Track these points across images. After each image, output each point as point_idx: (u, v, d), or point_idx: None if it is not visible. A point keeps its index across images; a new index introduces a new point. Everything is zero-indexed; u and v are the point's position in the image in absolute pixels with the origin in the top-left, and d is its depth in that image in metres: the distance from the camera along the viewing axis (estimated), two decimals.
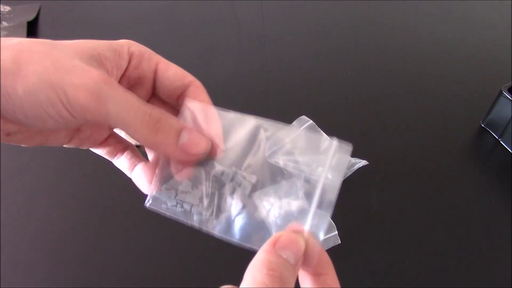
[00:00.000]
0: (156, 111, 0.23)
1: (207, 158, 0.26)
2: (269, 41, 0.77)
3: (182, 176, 0.26)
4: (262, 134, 0.27)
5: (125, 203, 0.53)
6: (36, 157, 0.59)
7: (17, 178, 0.57)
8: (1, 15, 0.83)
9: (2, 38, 0.21)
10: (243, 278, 0.21)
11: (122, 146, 0.29)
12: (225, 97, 0.66)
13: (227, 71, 0.71)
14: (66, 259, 0.48)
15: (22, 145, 0.25)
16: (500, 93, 0.56)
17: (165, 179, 0.26)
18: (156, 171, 0.27)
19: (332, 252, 0.48)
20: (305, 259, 0.23)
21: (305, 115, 0.61)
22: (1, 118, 0.21)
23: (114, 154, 0.28)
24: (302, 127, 0.60)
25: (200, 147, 0.24)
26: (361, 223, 0.51)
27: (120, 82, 0.25)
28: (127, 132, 0.23)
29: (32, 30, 0.80)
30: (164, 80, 0.27)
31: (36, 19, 0.83)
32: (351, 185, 0.54)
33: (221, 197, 0.26)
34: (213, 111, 0.26)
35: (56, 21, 0.84)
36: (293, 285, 0.21)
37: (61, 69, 0.21)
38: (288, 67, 0.72)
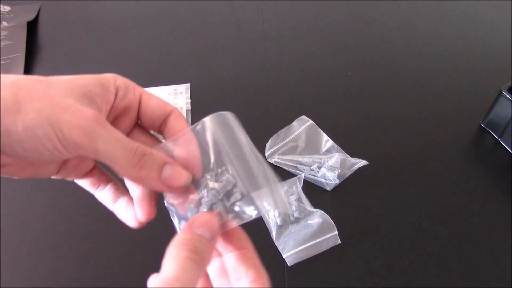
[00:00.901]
0: (141, 148, 0.25)
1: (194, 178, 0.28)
2: (269, 41, 0.77)
3: (182, 208, 0.28)
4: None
5: None
6: None
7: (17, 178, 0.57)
8: (1, 15, 0.83)
9: (1, 75, 0.23)
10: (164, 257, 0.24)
11: (105, 178, 0.31)
12: (225, 97, 0.66)
13: (227, 71, 0.71)
14: (66, 259, 0.49)
15: (14, 177, 0.28)
16: (500, 93, 0.56)
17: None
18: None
19: (332, 252, 0.48)
20: (227, 236, 0.27)
21: (305, 115, 0.61)
22: None
23: (97, 186, 0.31)
24: (302, 127, 0.60)
25: (181, 180, 0.27)
26: (361, 223, 0.51)
27: (109, 113, 0.28)
28: (113, 168, 0.25)
29: (32, 30, 0.80)
30: (148, 109, 0.29)
31: (36, 19, 0.83)
32: (351, 185, 0.54)
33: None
34: (190, 135, 0.29)
35: (56, 21, 0.84)
36: (209, 256, 0.25)
37: (58, 107, 0.23)
38: (288, 66, 0.72)
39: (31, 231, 0.51)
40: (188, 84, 0.68)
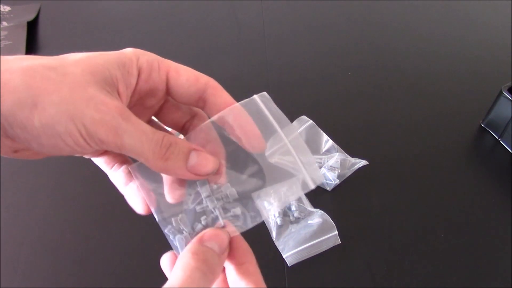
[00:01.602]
0: (166, 139, 0.24)
1: None
2: (269, 41, 0.77)
3: (175, 198, 0.27)
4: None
5: (125, 203, 0.53)
6: None
7: (17, 178, 0.57)
8: (1, 15, 0.83)
9: (9, 58, 0.21)
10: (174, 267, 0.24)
11: (121, 158, 0.29)
12: None
13: (227, 71, 0.71)
14: (66, 259, 0.49)
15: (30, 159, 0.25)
16: (500, 93, 0.56)
17: (161, 203, 0.28)
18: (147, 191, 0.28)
19: (332, 252, 0.48)
20: (230, 248, 0.26)
21: (305, 115, 0.61)
22: (10, 139, 0.22)
23: (112, 165, 0.29)
24: (302, 127, 0.60)
25: (207, 167, 0.26)
26: (361, 223, 0.51)
27: (131, 98, 0.26)
28: (140, 160, 0.24)
29: (32, 30, 0.80)
30: (178, 88, 0.27)
31: (36, 19, 0.83)
32: (351, 185, 0.54)
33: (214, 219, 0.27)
34: (239, 110, 0.27)
35: (56, 21, 0.84)
36: (218, 270, 0.25)
37: (79, 100, 0.21)
38: (288, 67, 0.72)
39: (31, 231, 0.51)
40: None
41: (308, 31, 0.79)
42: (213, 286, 0.25)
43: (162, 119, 0.30)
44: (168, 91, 0.28)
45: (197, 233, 0.26)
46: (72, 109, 0.21)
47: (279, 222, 0.50)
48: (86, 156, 0.28)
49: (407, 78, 0.70)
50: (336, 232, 0.49)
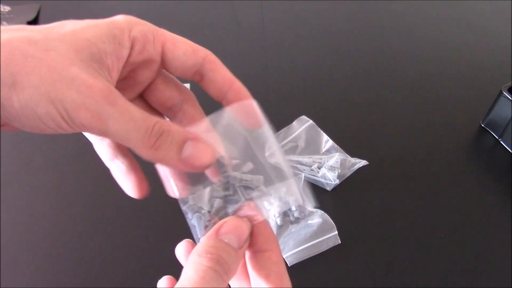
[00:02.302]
0: (158, 126, 0.22)
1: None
2: (269, 41, 0.77)
3: (185, 192, 0.26)
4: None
5: (126, 203, 0.53)
6: (36, 157, 0.59)
7: (17, 178, 0.57)
8: (1, 15, 0.83)
9: None
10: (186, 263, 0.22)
11: None
12: None
13: None
14: (66, 259, 0.48)
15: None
16: (500, 93, 0.56)
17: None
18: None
19: (332, 252, 0.48)
20: (252, 234, 0.24)
21: (305, 115, 0.61)
22: None
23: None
24: (302, 127, 0.60)
25: (204, 159, 0.23)
26: (361, 223, 0.51)
27: (122, 69, 0.24)
28: (128, 147, 0.22)
29: None
30: (174, 60, 0.25)
31: (36, 19, 0.83)
32: (351, 185, 0.54)
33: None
34: (252, 107, 0.26)
35: (56, 21, 0.83)
36: (234, 268, 0.22)
37: (59, 80, 0.20)
38: (288, 67, 0.72)
39: (31, 231, 0.51)
40: (188, 84, 0.68)
41: (308, 31, 0.79)
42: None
43: (149, 97, 0.28)
44: (163, 64, 0.26)
45: (216, 209, 0.25)
46: (53, 91, 0.19)
47: (279, 222, 0.49)
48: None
49: (407, 78, 0.70)
50: (336, 232, 0.49)
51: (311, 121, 0.60)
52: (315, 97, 0.67)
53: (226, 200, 0.25)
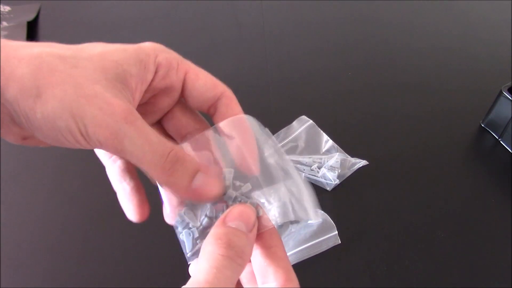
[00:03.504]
0: (173, 153, 0.22)
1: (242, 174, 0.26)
2: (269, 41, 0.77)
3: (175, 211, 0.26)
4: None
5: None
6: (36, 157, 0.59)
7: (17, 178, 0.57)
8: (1, 15, 0.83)
9: (20, 43, 0.21)
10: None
11: None
12: None
13: (227, 71, 0.71)
14: (66, 259, 0.49)
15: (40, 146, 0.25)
16: (500, 93, 0.56)
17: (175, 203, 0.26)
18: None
19: (332, 252, 0.48)
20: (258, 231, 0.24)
21: (305, 115, 0.61)
22: (18, 126, 0.21)
23: (111, 155, 0.27)
24: (302, 127, 0.60)
25: (212, 192, 0.24)
26: (361, 223, 0.51)
27: (144, 94, 0.25)
28: (140, 168, 0.23)
29: (32, 30, 0.80)
30: (194, 91, 0.26)
31: (36, 19, 0.83)
32: (351, 185, 0.54)
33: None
34: (246, 127, 0.26)
35: (56, 21, 0.84)
36: (247, 251, 0.22)
37: (83, 97, 0.20)
38: (288, 66, 0.72)
39: (31, 231, 0.51)
40: None
41: (308, 31, 0.79)
42: None
43: (166, 123, 0.29)
44: (182, 93, 0.27)
45: (205, 227, 0.24)
46: (75, 106, 0.20)
47: (279, 222, 0.49)
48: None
49: (407, 78, 0.70)
50: (336, 232, 0.49)
51: (311, 121, 0.60)
52: (315, 97, 0.67)
53: (216, 217, 0.25)
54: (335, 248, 0.48)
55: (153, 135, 0.22)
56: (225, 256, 0.21)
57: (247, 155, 0.26)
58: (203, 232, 0.25)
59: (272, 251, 0.24)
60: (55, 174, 0.57)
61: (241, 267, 0.22)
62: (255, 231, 0.24)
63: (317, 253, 0.48)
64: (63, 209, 0.53)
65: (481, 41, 0.76)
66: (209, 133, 0.26)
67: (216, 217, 0.25)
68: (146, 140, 0.22)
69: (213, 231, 0.23)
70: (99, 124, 0.20)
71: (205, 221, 0.25)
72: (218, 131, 0.26)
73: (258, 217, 0.24)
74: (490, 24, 0.80)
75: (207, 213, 0.25)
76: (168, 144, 0.23)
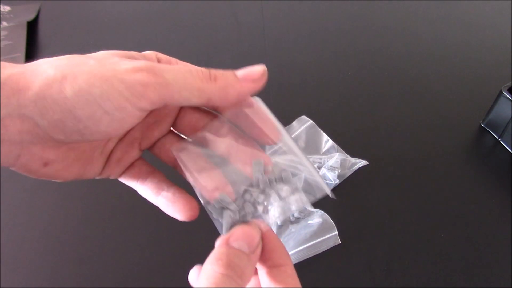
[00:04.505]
0: (204, 68, 0.24)
1: (266, 144, 0.27)
2: (269, 41, 0.77)
3: (212, 196, 0.26)
4: None
5: (126, 203, 0.53)
6: None
7: (17, 178, 0.57)
8: (1, 15, 0.83)
9: (38, 61, 0.22)
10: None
11: (148, 169, 0.28)
12: None
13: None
14: (66, 259, 0.49)
15: (57, 180, 0.25)
16: (500, 93, 0.56)
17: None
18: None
19: (332, 252, 0.48)
20: (265, 251, 0.24)
21: (305, 115, 0.61)
22: (41, 144, 0.21)
23: (139, 178, 0.28)
24: (302, 127, 0.60)
25: (258, 69, 0.26)
26: (361, 223, 0.51)
27: None
28: (190, 97, 0.23)
29: (32, 30, 0.80)
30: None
31: (36, 19, 0.83)
32: (351, 185, 0.54)
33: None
34: (256, 104, 0.27)
35: (56, 21, 0.84)
36: (248, 272, 0.23)
37: (108, 64, 0.21)
38: (288, 67, 0.72)
39: (31, 231, 0.51)
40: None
41: (308, 31, 0.79)
42: None
43: (180, 124, 0.29)
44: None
45: (244, 211, 0.25)
46: (104, 71, 0.20)
47: (279, 222, 0.50)
48: (113, 177, 0.28)
49: (407, 78, 0.70)
50: (336, 232, 0.49)
51: (311, 121, 0.60)
52: (315, 97, 0.67)
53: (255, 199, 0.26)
54: (335, 248, 0.48)
55: (180, 64, 0.25)
56: (225, 275, 0.21)
57: (264, 127, 0.26)
58: (242, 214, 0.25)
59: (282, 269, 0.24)
60: None
61: (241, 287, 0.22)
62: (258, 251, 0.24)
63: (317, 253, 0.48)
64: (63, 209, 0.53)
65: (481, 41, 0.76)
66: (223, 119, 0.27)
67: (254, 202, 0.25)
68: (179, 68, 0.23)
69: (215, 251, 0.23)
70: (135, 71, 0.21)
71: (244, 203, 0.25)
72: (230, 117, 0.27)
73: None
74: (490, 25, 0.80)
75: (246, 197, 0.25)
76: (194, 66, 0.24)
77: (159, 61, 0.26)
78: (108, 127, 0.21)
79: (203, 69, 0.24)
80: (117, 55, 0.23)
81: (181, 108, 0.28)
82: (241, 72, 0.25)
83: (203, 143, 0.27)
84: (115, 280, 0.47)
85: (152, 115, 0.27)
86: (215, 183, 0.26)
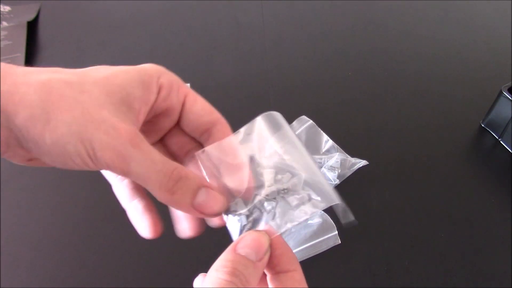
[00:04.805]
0: (177, 172, 0.23)
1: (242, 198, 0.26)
2: (269, 41, 0.77)
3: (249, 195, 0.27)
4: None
5: None
6: None
7: (17, 178, 0.57)
8: (1, 15, 0.83)
9: (28, 69, 0.22)
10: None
11: None
12: (225, 98, 0.66)
13: (227, 71, 0.71)
14: (66, 259, 0.49)
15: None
16: (500, 93, 0.56)
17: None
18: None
19: (332, 252, 0.48)
20: (274, 257, 0.25)
21: (305, 115, 0.61)
22: (25, 149, 0.22)
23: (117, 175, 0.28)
24: (302, 127, 0.60)
25: (214, 208, 0.25)
26: (361, 223, 0.51)
27: (147, 113, 0.26)
28: (146, 188, 0.24)
29: (32, 30, 0.80)
30: (191, 114, 0.27)
31: (36, 19, 0.83)
32: (351, 185, 0.54)
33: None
34: (234, 147, 0.27)
35: (56, 21, 0.84)
36: (253, 279, 0.23)
37: (91, 122, 0.21)
38: (288, 67, 0.72)
39: (31, 231, 0.51)
40: (188, 84, 0.68)
41: (308, 31, 0.79)
42: None
43: (169, 142, 0.29)
44: (180, 116, 0.28)
45: (253, 217, 0.25)
46: (83, 131, 0.21)
47: (279, 222, 0.49)
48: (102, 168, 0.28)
49: (407, 78, 0.70)
50: (336, 232, 0.49)
51: (311, 121, 0.61)
52: (315, 97, 0.67)
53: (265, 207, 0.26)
54: (335, 248, 0.48)
55: (157, 155, 0.23)
56: (229, 281, 0.22)
57: (243, 180, 0.27)
58: (251, 221, 0.26)
59: (290, 275, 0.25)
60: (55, 174, 0.57)
61: None
62: (266, 258, 0.24)
63: (317, 253, 0.48)
64: (63, 209, 0.53)
65: (481, 41, 0.76)
66: (207, 151, 0.27)
67: (263, 209, 0.26)
68: (151, 162, 0.23)
69: (221, 257, 0.23)
70: (107, 148, 0.21)
71: (254, 210, 0.26)
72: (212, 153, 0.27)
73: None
74: (490, 24, 0.80)
75: (256, 203, 0.26)
76: (171, 163, 0.24)
77: (160, 88, 0.26)
78: (79, 169, 0.23)
79: (173, 174, 0.23)
80: (111, 96, 0.23)
81: (172, 127, 0.29)
82: (200, 199, 0.24)
83: (219, 151, 0.27)
84: (115, 280, 0.47)
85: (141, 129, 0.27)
86: (241, 185, 0.27)
